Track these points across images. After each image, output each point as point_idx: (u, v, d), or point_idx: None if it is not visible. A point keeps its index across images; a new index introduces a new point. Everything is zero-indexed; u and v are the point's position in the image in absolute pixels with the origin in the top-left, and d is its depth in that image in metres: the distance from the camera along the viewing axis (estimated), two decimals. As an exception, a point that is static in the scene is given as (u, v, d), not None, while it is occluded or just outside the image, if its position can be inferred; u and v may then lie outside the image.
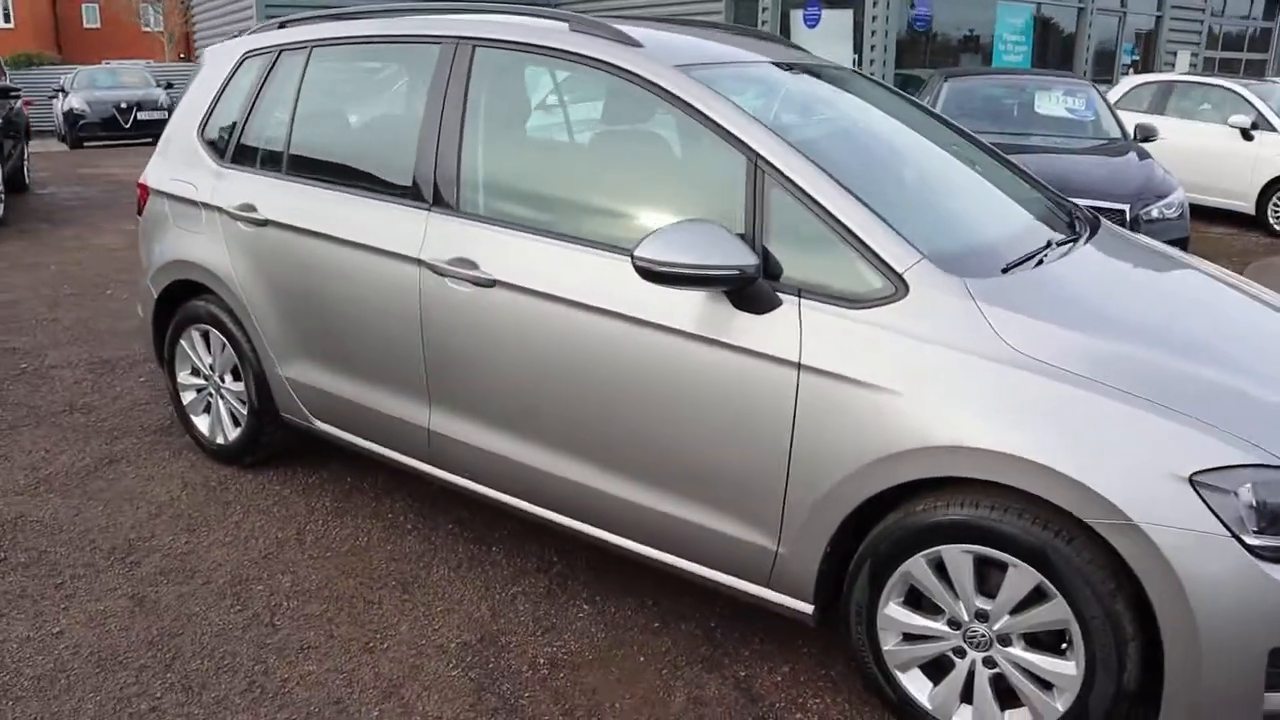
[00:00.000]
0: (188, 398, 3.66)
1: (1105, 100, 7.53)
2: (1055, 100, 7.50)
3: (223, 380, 3.50)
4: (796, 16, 12.32)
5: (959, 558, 2.08)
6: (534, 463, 2.61)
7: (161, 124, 16.52)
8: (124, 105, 16.70)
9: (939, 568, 2.12)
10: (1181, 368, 2.03)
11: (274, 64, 3.31)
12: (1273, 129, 9.07)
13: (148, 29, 33.94)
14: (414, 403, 2.86)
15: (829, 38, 11.79)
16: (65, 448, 3.73)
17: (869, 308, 2.12)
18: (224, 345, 3.42)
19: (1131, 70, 14.37)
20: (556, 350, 2.48)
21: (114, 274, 6.60)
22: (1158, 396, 1.93)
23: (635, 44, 2.56)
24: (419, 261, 2.72)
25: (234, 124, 3.36)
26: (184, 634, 2.56)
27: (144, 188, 3.65)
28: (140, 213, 3.69)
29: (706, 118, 2.36)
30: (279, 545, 3.02)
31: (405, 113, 2.90)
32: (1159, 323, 2.26)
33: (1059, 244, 2.58)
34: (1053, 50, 13.82)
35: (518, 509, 2.73)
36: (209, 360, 3.53)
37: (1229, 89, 9.60)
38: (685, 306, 2.29)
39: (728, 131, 2.33)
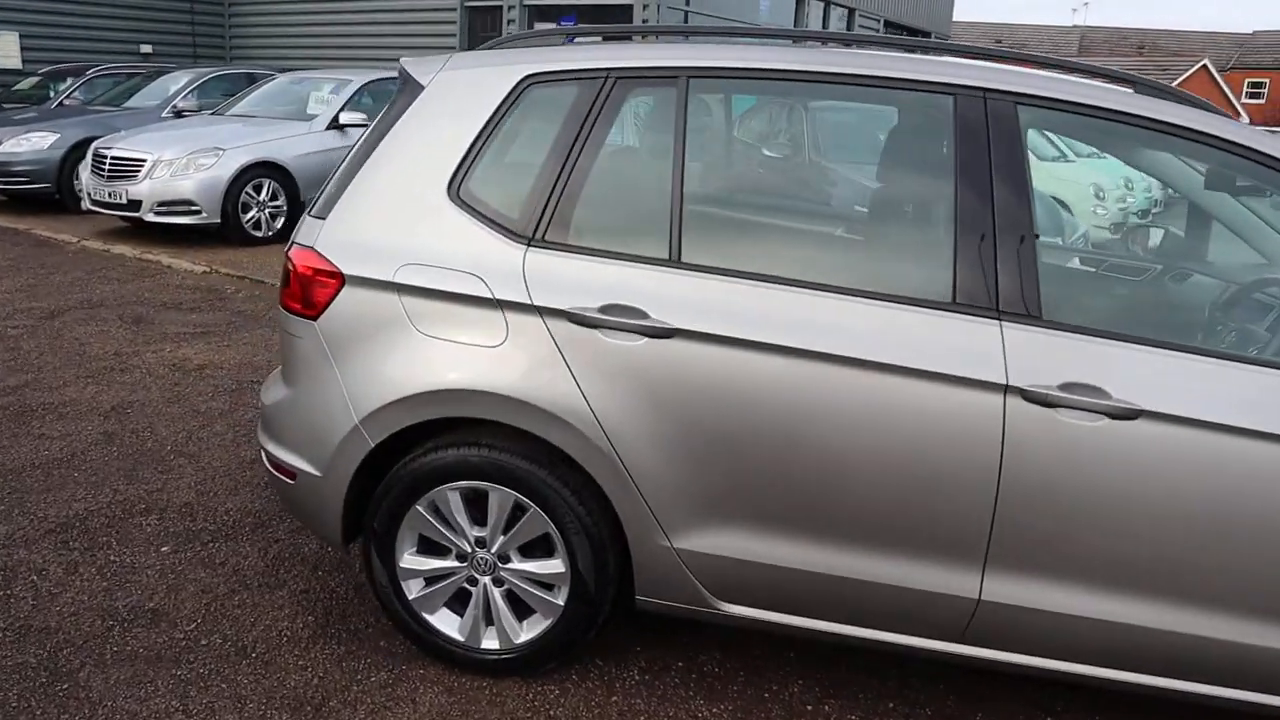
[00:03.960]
0: (414, 589, 2.44)
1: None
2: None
3: (505, 560, 2.37)
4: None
5: None
6: (1175, 626, 2.10)
7: None
8: None
9: None
10: None
11: (602, 98, 2.29)
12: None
13: None
14: (952, 569, 2.14)
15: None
16: (207, 697, 2.28)
17: None
18: (517, 510, 2.31)
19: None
20: (1249, 493, 2.00)
21: None
22: None
23: (1231, 115, 2.16)
24: (1006, 389, 2.04)
25: (541, 184, 2.27)
26: None
27: (329, 274, 2.32)
28: (307, 312, 2.35)
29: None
30: (754, 797, 2.11)
31: (909, 184, 2.17)
32: None
33: None
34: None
35: (1105, 680, 2.18)
36: (475, 533, 2.37)
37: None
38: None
39: None
